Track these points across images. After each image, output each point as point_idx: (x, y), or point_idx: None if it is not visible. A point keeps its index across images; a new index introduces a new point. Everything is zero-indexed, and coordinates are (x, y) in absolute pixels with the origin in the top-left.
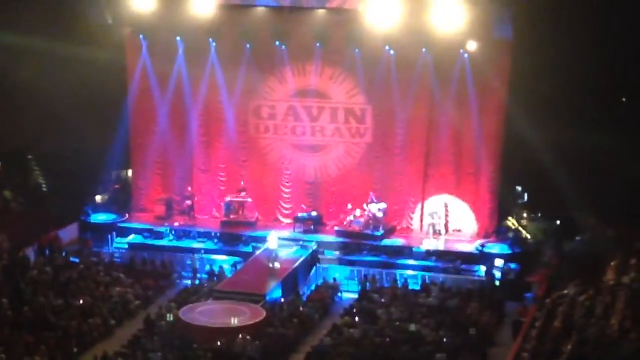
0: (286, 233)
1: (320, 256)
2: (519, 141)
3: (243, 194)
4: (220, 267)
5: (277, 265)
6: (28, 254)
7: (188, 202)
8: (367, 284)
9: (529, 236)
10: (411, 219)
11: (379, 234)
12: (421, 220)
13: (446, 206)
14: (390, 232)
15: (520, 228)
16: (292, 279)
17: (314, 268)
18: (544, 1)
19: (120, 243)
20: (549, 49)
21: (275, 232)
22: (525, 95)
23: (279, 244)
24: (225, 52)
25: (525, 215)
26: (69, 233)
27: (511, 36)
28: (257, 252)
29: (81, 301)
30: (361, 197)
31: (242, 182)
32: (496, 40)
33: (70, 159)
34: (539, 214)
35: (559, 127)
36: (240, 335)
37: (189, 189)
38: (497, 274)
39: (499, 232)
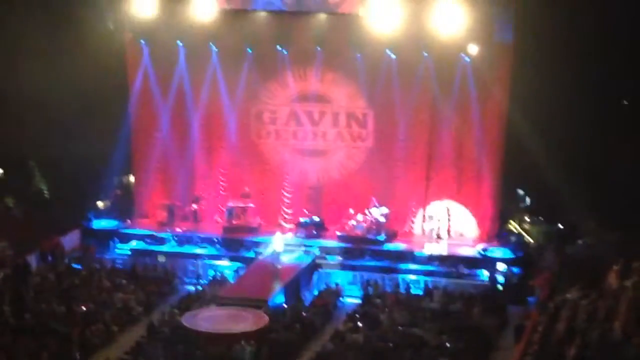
0: (288, 238)
1: (322, 261)
2: (521, 145)
3: (248, 200)
4: (223, 273)
5: (280, 267)
6: (30, 260)
7: (194, 205)
8: (370, 288)
9: (531, 240)
10: (413, 223)
11: (381, 238)
12: (423, 225)
13: (448, 210)
14: (392, 236)
15: (522, 232)
16: (294, 285)
17: (317, 273)
18: (545, 3)
19: (123, 249)
20: (550, 52)
21: (280, 234)
22: (526, 99)
23: (284, 248)
24: (226, 56)
25: (527, 219)
26: (71, 239)
27: (512, 39)
28: (261, 256)
29: (83, 307)
30: (363, 201)
31: (247, 188)
32: (497, 44)
33: (72, 165)
34: (541, 218)
35: (560, 131)
36: (242, 342)
37: (196, 193)
38: (500, 278)
39: (501, 236)
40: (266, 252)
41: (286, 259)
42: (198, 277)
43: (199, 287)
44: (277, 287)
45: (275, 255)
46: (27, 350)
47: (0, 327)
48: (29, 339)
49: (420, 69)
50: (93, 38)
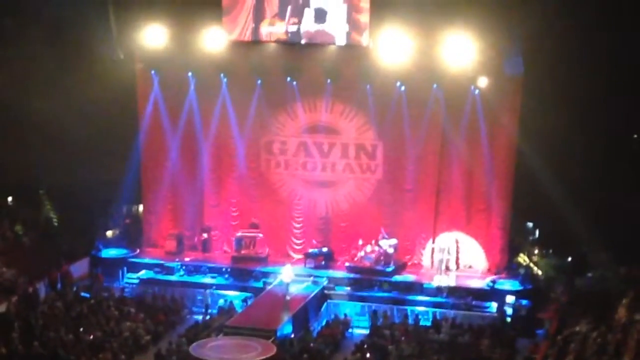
0: (298, 269)
1: (331, 292)
2: (531, 177)
3: (256, 230)
4: (231, 302)
5: (289, 298)
6: (39, 288)
7: (204, 235)
8: (379, 319)
9: (540, 272)
10: (422, 255)
11: (389, 269)
12: (432, 256)
13: (457, 242)
14: (401, 268)
15: (531, 264)
16: (303, 315)
17: (325, 304)
18: (555, 37)
19: (131, 278)
20: (560, 85)
21: (290, 265)
22: (536, 132)
23: (293, 278)
24: (236, 87)
25: (536, 251)
26: (80, 268)
27: (522, 72)
28: (269, 286)
29: (91, 336)
30: (372, 232)
31: (254, 219)
32: (507, 76)
33: (82, 193)
34: (551, 251)
35: (570, 164)
36: None
37: (205, 223)
38: (509, 311)
39: (510, 268)
40: (274, 283)
41: (295, 289)
42: (206, 306)
43: (207, 317)
44: (286, 317)
45: (284, 286)
46: None
47: (9, 355)
48: None
49: (430, 101)
50: (104, 68)
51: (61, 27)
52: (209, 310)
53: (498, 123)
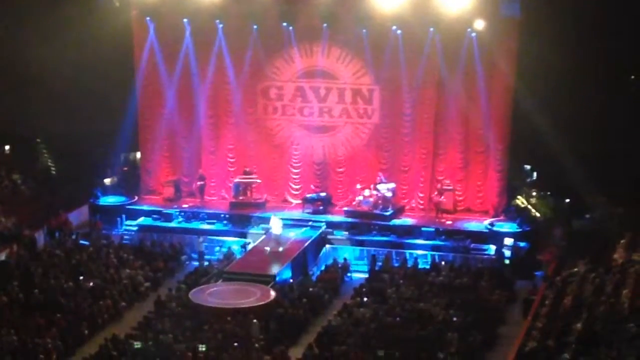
0: (296, 214)
1: (329, 237)
2: (528, 120)
3: (253, 176)
4: (229, 248)
5: (280, 249)
6: (38, 237)
7: (199, 183)
8: (377, 263)
9: (538, 214)
10: (420, 198)
11: (388, 213)
12: (429, 200)
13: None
14: (399, 212)
15: (529, 206)
16: (301, 260)
17: (324, 248)
18: None
19: (130, 225)
20: (557, 27)
21: (275, 216)
22: (533, 74)
23: (284, 226)
24: (232, 33)
25: (534, 193)
26: (78, 216)
27: (519, 14)
28: (265, 234)
29: (91, 284)
30: (370, 177)
31: (247, 168)
32: (504, 19)
33: (79, 142)
34: (548, 193)
35: (567, 106)
36: (249, 317)
37: (200, 170)
38: (507, 253)
39: (509, 211)
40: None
41: (291, 235)
42: (200, 254)
43: (206, 263)
44: (279, 268)
45: (274, 238)
46: (36, 326)
47: (10, 303)
48: (38, 314)
49: (427, 45)
50: (99, 15)
51: None
52: (207, 257)
53: (495, 66)
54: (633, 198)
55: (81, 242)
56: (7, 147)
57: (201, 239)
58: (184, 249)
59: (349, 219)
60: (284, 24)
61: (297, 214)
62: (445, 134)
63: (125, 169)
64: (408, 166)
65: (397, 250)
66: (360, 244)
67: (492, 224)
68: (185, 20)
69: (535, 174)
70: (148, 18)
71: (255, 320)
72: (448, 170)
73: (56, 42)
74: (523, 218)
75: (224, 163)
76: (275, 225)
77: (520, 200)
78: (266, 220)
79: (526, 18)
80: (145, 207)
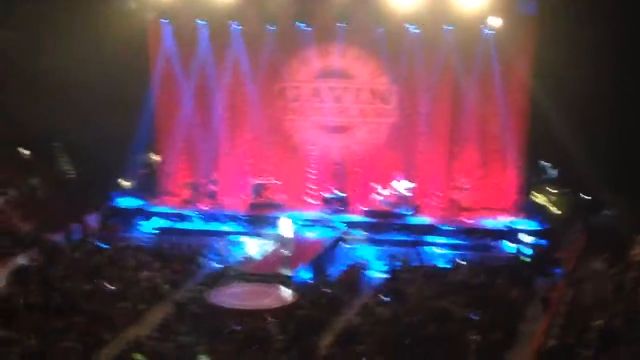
0: (314, 214)
1: (348, 236)
2: (545, 118)
3: (270, 178)
4: (248, 249)
5: (288, 253)
6: (56, 240)
7: (212, 187)
8: (396, 263)
9: (556, 212)
10: (438, 197)
11: (406, 213)
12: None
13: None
14: (417, 211)
15: (548, 204)
16: (320, 260)
17: (342, 249)
18: None
19: (148, 228)
20: (574, 25)
21: (286, 218)
22: (550, 72)
23: (296, 228)
24: (248, 35)
25: (553, 190)
26: (96, 219)
27: (536, 12)
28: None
29: (110, 286)
30: (387, 176)
31: (260, 179)
32: (521, 16)
33: (96, 145)
34: (567, 190)
35: (585, 103)
36: (268, 318)
37: (214, 174)
38: (526, 250)
39: (527, 208)
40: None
41: (311, 235)
42: (224, 254)
43: (225, 264)
44: (288, 273)
45: (284, 242)
46: (55, 330)
47: (28, 306)
48: (57, 318)
49: (443, 43)
50: (114, 18)
51: None
52: (226, 258)
53: (511, 64)
54: None
55: (99, 244)
56: (26, 152)
57: (221, 243)
58: (203, 251)
59: (368, 219)
60: (300, 24)
61: (315, 214)
62: (462, 132)
63: (143, 171)
64: (425, 165)
65: (416, 249)
66: (379, 243)
67: (510, 222)
68: (200, 22)
69: (554, 171)
70: (163, 20)
71: (273, 321)
72: (465, 168)
73: (71, 44)
74: (542, 215)
75: (242, 164)
76: (285, 227)
77: (539, 198)
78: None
79: (543, 15)
80: (163, 209)
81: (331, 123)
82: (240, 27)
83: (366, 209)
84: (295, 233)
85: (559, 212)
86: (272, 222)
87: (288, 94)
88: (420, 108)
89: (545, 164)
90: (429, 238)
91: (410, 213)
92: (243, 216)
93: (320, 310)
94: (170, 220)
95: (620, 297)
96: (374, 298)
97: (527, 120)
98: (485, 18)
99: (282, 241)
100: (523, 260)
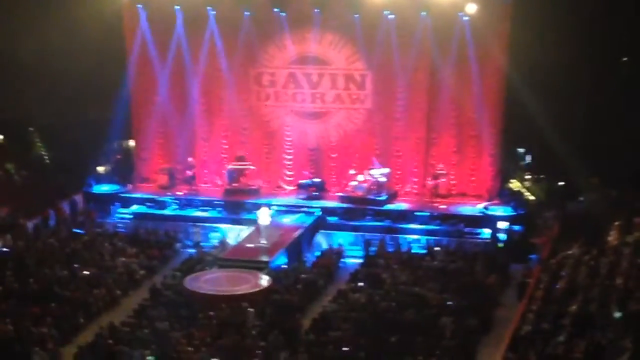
0: (290, 200)
1: (324, 222)
2: (521, 104)
3: (246, 162)
4: (224, 235)
5: (265, 243)
6: (32, 226)
7: (189, 172)
8: (371, 249)
9: (532, 198)
10: (414, 183)
11: (382, 198)
12: (423, 185)
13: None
14: (393, 196)
15: (523, 190)
16: (296, 246)
17: (318, 234)
18: None
19: (124, 213)
20: (549, 10)
21: (265, 208)
22: (525, 58)
23: (274, 214)
24: (224, 20)
25: (528, 177)
26: (72, 205)
27: None
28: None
29: (86, 272)
30: (364, 162)
31: (239, 152)
32: (496, 3)
33: (72, 130)
34: (542, 176)
35: (560, 89)
36: (244, 304)
37: (190, 159)
38: (502, 236)
39: (502, 194)
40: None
41: (287, 221)
42: (199, 240)
43: (201, 250)
44: (264, 259)
45: (262, 231)
46: (32, 315)
47: (4, 292)
48: (33, 304)
49: (419, 30)
50: (90, 3)
51: None
52: (202, 244)
53: (487, 50)
54: (626, 180)
55: (75, 230)
56: (0, 137)
57: (196, 229)
58: (179, 237)
59: (343, 205)
60: (276, 10)
61: (291, 200)
62: (438, 118)
63: (119, 157)
64: (401, 151)
65: (391, 235)
66: (355, 229)
67: (486, 208)
68: (176, 7)
69: (528, 157)
70: (139, 5)
71: (250, 307)
72: (441, 154)
73: (46, 30)
74: (517, 201)
75: (218, 150)
76: (263, 216)
77: (514, 184)
78: (260, 206)
79: (518, 1)
80: (139, 195)
81: (307, 109)
82: (216, 12)
83: (341, 194)
84: (272, 221)
85: (534, 198)
86: (248, 208)
87: (264, 79)
88: (396, 94)
89: (521, 150)
90: (405, 224)
91: (385, 199)
92: (219, 201)
93: (296, 295)
94: (146, 206)
95: (595, 283)
96: (349, 284)
97: (503, 106)
98: (461, 4)
99: (259, 230)
100: (498, 246)
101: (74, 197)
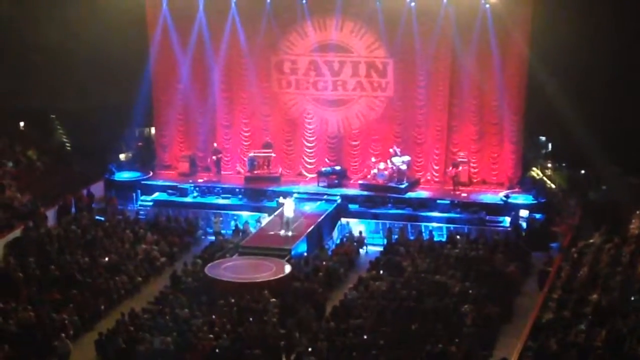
0: (311, 187)
1: (345, 210)
2: (542, 91)
3: (269, 150)
4: (246, 222)
5: (289, 233)
6: (53, 213)
7: (214, 157)
8: (393, 236)
9: (553, 186)
10: (435, 171)
11: (403, 186)
12: (444, 173)
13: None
14: (414, 184)
15: (544, 178)
16: (317, 234)
17: (339, 222)
18: None
19: (145, 201)
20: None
21: (290, 199)
22: (547, 45)
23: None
24: (245, 7)
25: (549, 165)
26: (94, 192)
27: None
28: (278, 211)
29: (107, 259)
30: (384, 150)
31: (268, 138)
32: None
33: (94, 118)
34: (563, 164)
35: (582, 77)
36: (265, 291)
37: (215, 144)
38: (523, 225)
39: (524, 182)
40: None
41: (308, 208)
42: (220, 227)
43: (222, 237)
44: (285, 246)
45: (286, 222)
46: (53, 302)
47: (26, 279)
48: (55, 290)
49: (440, 17)
50: None
51: None
52: (223, 231)
53: (509, 37)
54: None
55: (97, 217)
56: (21, 124)
57: (217, 218)
58: (200, 224)
59: (364, 192)
60: None
61: (312, 187)
62: (460, 106)
63: (140, 144)
64: (423, 139)
65: (412, 223)
66: (376, 217)
67: (507, 196)
68: None
69: (550, 145)
70: None
71: (270, 295)
72: (463, 142)
73: (68, 17)
74: (538, 190)
75: (239, 137)
76: (288, 207)
77: (535, 172)
78: (281, 194)
79: None
80: (160, 182)
81: (328, 97)
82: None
83: (363, 182)
84: (296, 211)
85: (556, 186)
86: (268, 195)
87: (285, 67)
88: (417, 82)
89: (543, 138)
90: (426, 212)
91: (406, 187)
92: (240, 189)
93: (316, 283)
94: (167, 193)
95: (616, 271)
96: (370, 272)
97: (524, 93)
98: None
99: (283, 220)
100: (519, 235)
101: (93, 184)
